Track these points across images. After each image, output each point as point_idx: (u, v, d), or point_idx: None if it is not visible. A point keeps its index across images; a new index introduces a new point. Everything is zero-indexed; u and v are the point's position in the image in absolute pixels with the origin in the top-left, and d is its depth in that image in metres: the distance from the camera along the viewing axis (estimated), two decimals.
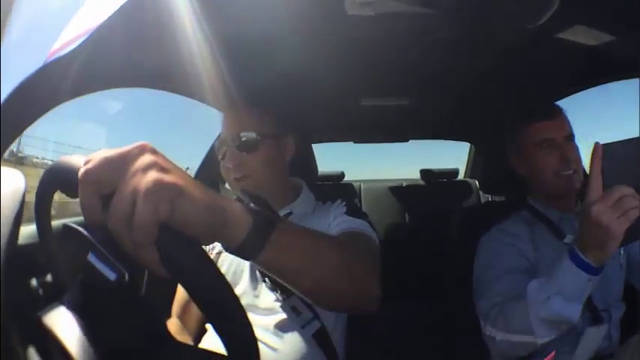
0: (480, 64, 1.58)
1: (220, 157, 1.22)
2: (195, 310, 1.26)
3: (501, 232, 1.30)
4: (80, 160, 0.50)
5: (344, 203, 1.22)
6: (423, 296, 2.35)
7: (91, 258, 0.49)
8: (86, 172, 0.46)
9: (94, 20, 0.82)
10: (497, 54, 1.45)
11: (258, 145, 1.18)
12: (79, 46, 0.83)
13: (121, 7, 0.80)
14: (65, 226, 0.52)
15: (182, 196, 0.47)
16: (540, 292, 1.00)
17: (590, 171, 0.88)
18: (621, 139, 0.87)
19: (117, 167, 0.46)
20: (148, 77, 1.31)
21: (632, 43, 1.05)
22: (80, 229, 0.50)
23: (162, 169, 0.47)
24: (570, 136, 1.25)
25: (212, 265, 0.49)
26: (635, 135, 0.88)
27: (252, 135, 1.18)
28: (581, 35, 1.00)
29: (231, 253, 0.56)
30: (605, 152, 0.86)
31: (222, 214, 0.52)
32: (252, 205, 0.59)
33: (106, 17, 0.81)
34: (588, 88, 1.68)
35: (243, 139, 1.17)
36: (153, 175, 0.46)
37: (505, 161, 1.40)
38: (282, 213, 1.23)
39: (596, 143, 0.87)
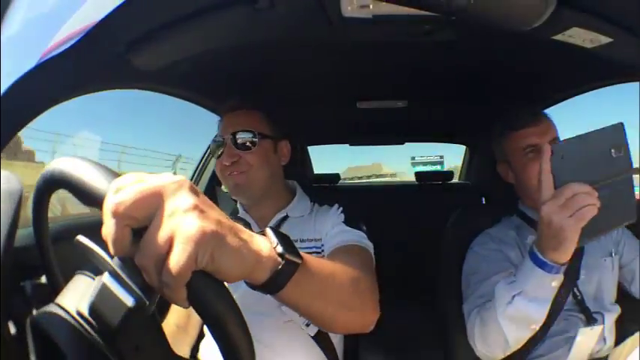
0: (476, 67, 1.59)
1: (217, 156, 1.23)
2: (196, 319, 1.26)
3: (488, 238, 1.31)
4: (86, 167, 0.49)
5: (341, 209, 1.23)
6: (419, 298, 2.35)
7: (107, 280, 0.46)
8: (119, 205, 0.42)
9: (90, 19, 0.82)
10: (493, 56, 1.46)
11: (256, 144, 1.20)
12: (74, 45, 0.83)
13: (117, 7, 0.80)
14: (78, 243, 0.50)
15: (222, 247, 0.46)
16: (505, 292, 1.01)
17: (540, 172, 0.85)
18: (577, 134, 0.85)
19: (153, 203, 0.43)
20: (144, 78, 1.30)
21: (630, 47, 1.05)
22: (97, 249, 0.47)
23: (202, 213, 0.45)
24: (556, 141, 1.24)
25: (238, 312, 0.49)
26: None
27: (250, 134, 1.20)
28: (578, 38, 1.00)
29: (251, 288, 0.57)
30: (555, 151, 0.83)
31: (254, 259, 0.52)
32: (276, 241, 0.58)
33: (101, 17, 0.81)
34: (585, 91, 1.69)
35: (241, 138, 1.20)
36: (194, 221, 0.44)
37: (494, 161, 1.41)
38: (277, 217, 1.25)
39: (545, 144, 0.84)
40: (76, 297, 0.53)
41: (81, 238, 0.49)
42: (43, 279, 0.79)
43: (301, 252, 0.62)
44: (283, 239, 0.59)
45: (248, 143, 1.20)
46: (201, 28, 1.01)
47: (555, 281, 0.93)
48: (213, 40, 1.14)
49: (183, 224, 0.43)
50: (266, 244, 0.56)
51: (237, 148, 1.19)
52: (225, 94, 1.69)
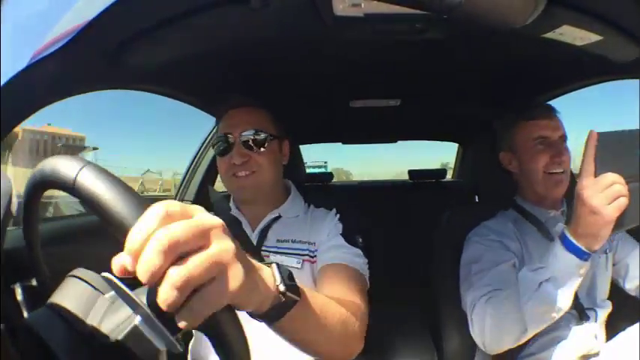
0: (469, 66, 1.59)
1: (220, 153, 1.20)
2: None
3: (488, 229, 1.31)
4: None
5: (338, 217, 1.21)
6: (412, 296, 2.36)
7: (139, 323, 0.46)
8: (172, 240, 0.40)
9: (81, 19, 0.81)
10: (485, 55, 1.46)
11: (266, 144, 1.19)
12: (65, 45, 0.82)
13: (108, 6, 0.79)
14: (105, 279, 0.51)
15: (250, 287, 0.49)
16: (532, 279, 1.00)
17: (584, 156, 0.89)
18: (614, 129, 0.89)
19: (201, 242, 0.43)
20: (137, 78, 1.29)
21: (619, 45, 1.06)
22: (129, 291, 0.48)
23: (240, 256, 0.47)
24: (564, 138, 1.27)
25: (243, 333, 0.51)
26: None
27: (261, 134, 1.19)
28: (569, 36, 1.01)
29: (249, 315, 0.58)
30: (600, 139, 0.87)
31: (264, 295, 0.55)
32: (279, 277, 0.60)
33: (92, 16, 0.80)
34: (576, 89, 1.69)
35: (251, 137, 1.18)
36: (237, 267, 0.46)
37: (492, 160, 1.41)
38: (269, 217, 1.23)
39: (591, 130, 0.88)
40: (70, 301, 0.52)
41: (108, 275, 0.49)
42: (34, 281, 0.78)
43: (299, 284, 0.64)
44: (286, 275, 0.61)
45: (259, 143, 1.19)
46: (194, 27, 1.01)
47: (583, 269, 0.94)
48: (206, 40, 1.14)
49: (229, 267, 0.45)
50: (270, 279, 0.58)
51: (246, 147, 1.17)
52: (218, 94, 1.69)
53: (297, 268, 1.14)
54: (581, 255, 0.92)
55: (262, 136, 1.19)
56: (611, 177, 0.85)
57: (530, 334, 1.04)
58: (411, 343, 1.79)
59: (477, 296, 1.14)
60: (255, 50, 1.36)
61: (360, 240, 1.16)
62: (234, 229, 1.21)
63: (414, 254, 2.17)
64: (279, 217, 1.24)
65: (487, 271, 1.17)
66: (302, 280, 1.11)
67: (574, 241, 0.92)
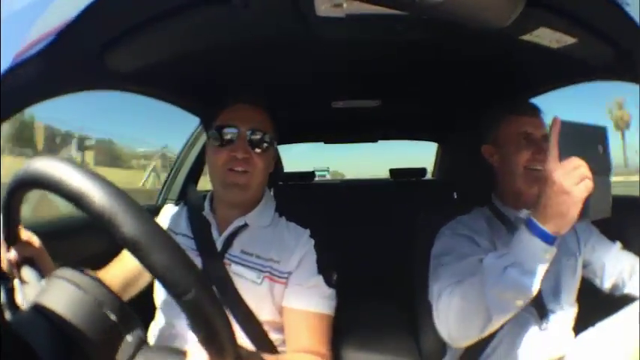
0: (448, 66, 1.61)
1: (220, 144, 1.17)
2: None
3: (460, 224, 1.31)
4: None
5: (313, 242, 1.19)
6: (392, 295, 2.38)
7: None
8: None
9: (61, 19, 0.80)
10: (464, 56, 1.48)
11: (268, 146, 1.20)
12: (45, 47, 0.81)
13: (88, 6, 0.78)
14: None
15: None
16: (497, 264, 0.99)
17: (551, 141, 0.91)
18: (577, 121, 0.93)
19: None
20: (119, 79, 1.27)
21: (593, 47, 1.09)
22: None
23: None
24: (546, 137, 1.28)
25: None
26: None
27: (266, 135, 1.19)
28: (545, 38, 1.03)
29: None
30: (562, 127, 0.90)
31: None
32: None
33: (73, 17, 0.79)
34: (552, 89, 1.73)
35: (256, 136, 1.17)
36: None
37: (469, 159, 1.43)
38: (236, 224, 1.21)
39: (555, 117, 0.91)
40: (54, 302, 0.52)
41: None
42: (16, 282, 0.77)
43: None
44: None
45: (262, 144, 1.18)
46: (175, 27, 1.00)
47: (549, 253, 0.93)
48: (188, 40, 1.13)
49: None
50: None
51: (250, 145, 1.16)
52: (201, 94, 1.68)
53: (256, 282, 1.13)
54: (547, 238, 0.92)
55: (267, 138, 1.19)
56: (577, 160, 0.88)
57: (494, 324, 1.01)
58: (391, 339, 1.80)
59: (443, 286, 1.13)
60: (237, 50, 1.36)
61: (335, 277, 1.17)
62: (203, 231, 1.22)
63: (394, 252, 2.20)
64: (245, 225, 1.21)
65: (455, 263, 1.17)
66: (259, 295, 1.12)
67: (540, 225, 0.92)
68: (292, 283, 1.14)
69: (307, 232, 1.21)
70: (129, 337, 0.53)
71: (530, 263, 0.94)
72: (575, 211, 0.88)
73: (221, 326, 0.51)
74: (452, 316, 1.08)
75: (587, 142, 0.93)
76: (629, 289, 1.24)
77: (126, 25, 0.96)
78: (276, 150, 1.31)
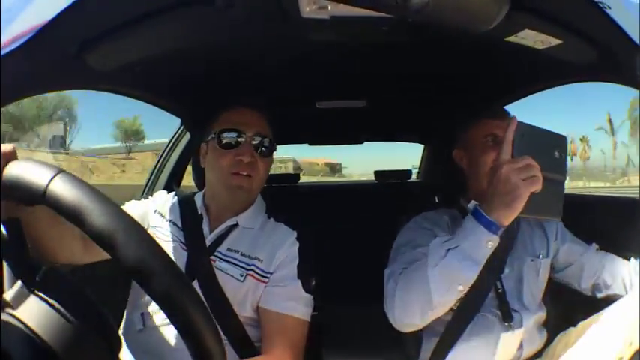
0: (433, 68, 1.61)
1: (223, 145, 1.19)
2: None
3: (422, 218, 1.34)
4: None
5: (297, 246, 1.22)
6: (375, 298, 2.38)
7: None
8: None
9: (41, 17, 0.78)
10: (449, 58, 1.49)
11: (271, 153, 1.23)
12: (24, 44, 0.80)
13: (69, 5, 0.77)
14: None
15: None
16: (440, 247, 1.03)
17: (503, 138, 0.97)
18: (536, 126, 1.01)
19: None
20: (99, 79, 1.25)
21: (577, 48, 1.10)
22: None
23: None
24: None
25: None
26: None
27: (270, 141, 1.23)
28: (530, 39, 1.03)
29: None
30: (518, 127, 0.97)
31: None
32: None
33: (53, 15, 0.77)
34: (536, 91, 1.74)
35: (261, 142, 1.20)
36: None
37: (448, 161, 1.43)
38: (227, 223, 1.22)
39: (513, 117, 0.99)
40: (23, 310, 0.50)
41: None
42: None
43: None
44: None
45: (265, 149, 1.20)
46: (157, 28, 0.98)
47: (492, 242, 0.97)
48: (170, 41, 1.11)
49: None
50: None
51: (255, 149, 1.18)
52: (184, 95, 1.66)
53: (239, 280, 1.15)
54: (490, 227, 0.96)
55: (269, 143, 1.22)
56: (527, 158, 0.94)
57: (436, 309, 1.04)
58: (375, 340, 1.81)
59: (394, 271, 1.16)
60: (221, 51, 1.34)
61: (314, 282, 1.19)
62: (194, 225, 1.23)
63: (379, 254, 2.20)
64: (235, 225, 1.23)
65: (409, 252, 1.20)
66: (240, 292, 1.14)
67: (485, 215, 0.96)
68: (270, 285, 1.16)
69: (294, 234, 1.24)
70: (99, 339, 0.51)
71: (472, 249, 0.98)
72: (519, 204, 0.93)
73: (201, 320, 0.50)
74: (396, 298, 1.10)
75: (543, 145, 1.01)
76: (615, 290, 1.24)
77: (107, 24, 0.94)
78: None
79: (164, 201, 1.33)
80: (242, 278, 1.15)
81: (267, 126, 1.24)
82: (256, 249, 1.19)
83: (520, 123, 0.97)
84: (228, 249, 1.19)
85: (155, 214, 1.27)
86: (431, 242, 1.08)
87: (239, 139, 1.17)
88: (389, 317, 1.13)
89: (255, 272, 1.16)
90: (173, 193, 1.37)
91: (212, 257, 1.18)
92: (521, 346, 1.23)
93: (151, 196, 1.38)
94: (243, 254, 1.18)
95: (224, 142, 1.19)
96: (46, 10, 0.80)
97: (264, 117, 1.25)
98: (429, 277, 1.01)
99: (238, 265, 1.17)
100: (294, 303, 1.14)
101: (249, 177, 1.17)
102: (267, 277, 1.17)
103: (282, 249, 1.19)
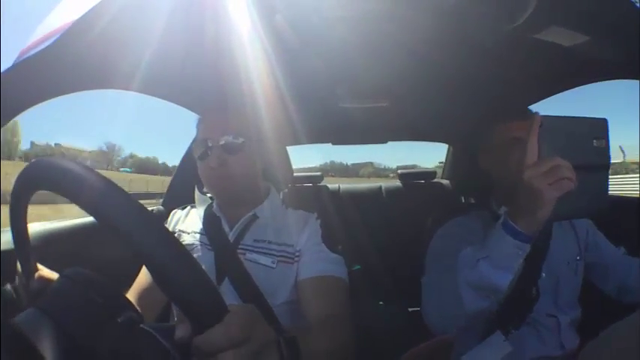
0: (458, 66, 1.60)
1: (200, 157, 1.20)
2: (155, 297, 1.22)
3: (455, 224, 1.32)
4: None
5: (319, 222, 1.23)
6: (403, 299, 2.37)
7: None
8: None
9: (67, 18, 0.80)
10: (474, 55, 1.47)
11: (243, 147, 1.19)
12: (51, 45, 0.81)
13: (96, 4, 0.79)
14: (143, 330, 0.54)
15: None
16: (470, 256, 1.01)
17: (527, 139, 0.89)
18: (562, 115, 0.90)
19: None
20: (123, 78, 1.28)
21: (607, 45, 1.07)
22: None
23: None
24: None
25: None
26: None
27: (237, 137, 1.19)
28: (557, 36, 1.02)
29: None
30: (543, 124, 0.88)
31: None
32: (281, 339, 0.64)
33: (79, 15, 0.79)
34: (564, 89, 1.71)
35: (228, 141, 1.18)
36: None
37: (474, 161, 1.42)
38: (246, 215, 1.24)
39: (536, 113, 0.89)
40: (61, 302, 0.52)
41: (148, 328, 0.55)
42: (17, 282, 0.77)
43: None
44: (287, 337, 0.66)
45: (235, 149, 1.18)
46: (180, 29, 1.00)
47: (521, 250, 0.94)
48: (198, 39, 1.13)
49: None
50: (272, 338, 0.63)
51: (224, 151, 1.17)
52: (206, 95, 1.68)
53: (271, 267, 1.17)
54: (518, 236, 0.92)
55: (240, 140, 1.19)
56: (554, 159, 0.86)
57: (470, 318, 1.04)
58: (405, 347, 1.80)
59: (429, 280, 1.18)
60: (241, 50, 1.35)
61: (340, 248, 1.19)
62: (214, 226, 1.26)
63: (403, 256, 2.19)
64: (255, 217, 1.25)
65: (444, 261, 1.17)
66: (274, 278, 1.15)
67: (512, 224, 0.93)
68: (300, 260, 1.17)
69: (314, 214, 1.26)
70: (119, 319, 0.52)
71: (501, 259, 0.96)
72: (544, 211, 0.87)
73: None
74: (432, 307, 1.12)
75: (578, 135, 0.91)
76: None
77: (127, 27, 0.96)
78: (265, 146, 1.30)
79: (180, 218, 1.37)
80: (274, 265, 1.17)
81: (239, 122, 1.21)
82: (282, 235, 1.21)
83: (546, 117, 0.89)
84: (255, 240, 1.21)
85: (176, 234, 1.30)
86: (462, 252, 1.06)
87: (207, 147, 1.18)
88: (426, 323, 1.14)
89: (285, 257, 1.18)
90: (188, 207, 1.40)
91: (240, 250, 1.20)
92: (562, 347, 1.23)
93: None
94: (270, 242, 1.20)
95: (197, 155, 1.22)
96: (69, 11, 0.83)
97: (235, 113, 1.23)
98: (460, 286, 1.01)
99: (269, 254, 1.18)
100: (326, 264, 1.14)
101: (227, 178, 1.17)
102: (297, 257, 1.18)
103: (307, 227, 1.21)
